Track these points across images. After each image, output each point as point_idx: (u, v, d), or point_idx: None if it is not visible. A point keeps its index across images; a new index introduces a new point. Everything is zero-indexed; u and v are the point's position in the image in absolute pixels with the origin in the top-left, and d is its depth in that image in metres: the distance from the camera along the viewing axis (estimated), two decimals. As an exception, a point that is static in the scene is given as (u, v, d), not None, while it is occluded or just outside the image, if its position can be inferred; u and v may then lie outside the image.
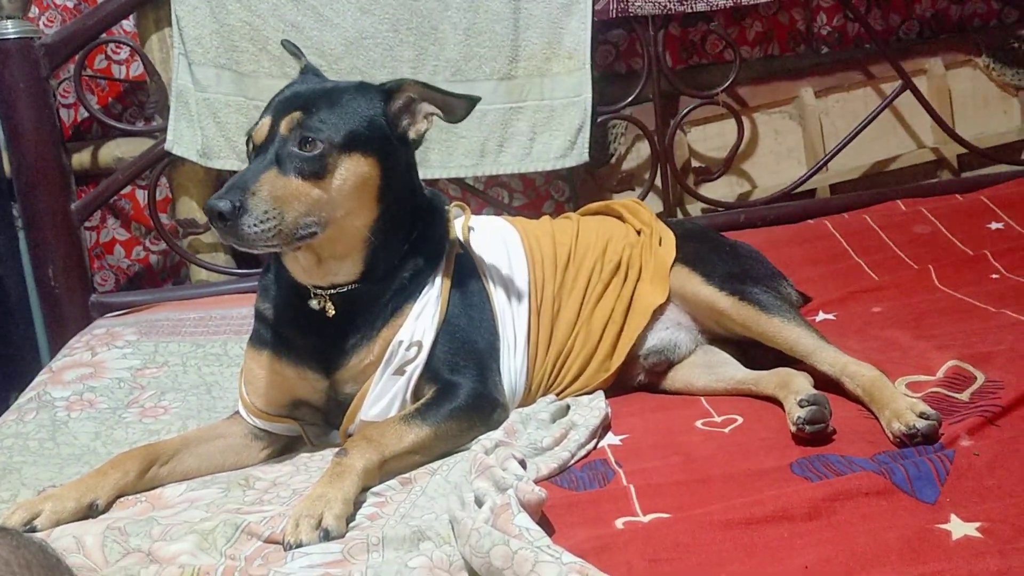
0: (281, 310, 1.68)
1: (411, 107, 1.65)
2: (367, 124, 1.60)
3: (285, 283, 1.66)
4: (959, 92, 3.02)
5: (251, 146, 1.58)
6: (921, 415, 1.41)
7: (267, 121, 1.57)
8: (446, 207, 1.79)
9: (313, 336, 1.65)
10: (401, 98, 1.64)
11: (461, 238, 1.77)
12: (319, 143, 1.53)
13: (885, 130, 2.98)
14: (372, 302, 1.64)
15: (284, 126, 1.54)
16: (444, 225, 1.76)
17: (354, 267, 1.63)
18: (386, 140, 1.63)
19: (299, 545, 1.26)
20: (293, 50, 1.86)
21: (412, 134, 1.66)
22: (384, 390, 1.63)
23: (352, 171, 1.57)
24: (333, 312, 1.61)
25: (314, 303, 1.62)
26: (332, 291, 1.62)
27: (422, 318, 1.65)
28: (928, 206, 2.68)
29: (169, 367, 2.16)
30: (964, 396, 1.56)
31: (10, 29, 2.45)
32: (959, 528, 1.15)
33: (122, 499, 1.53)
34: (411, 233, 1.68)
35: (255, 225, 1.46)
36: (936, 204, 2.70)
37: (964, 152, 2.95)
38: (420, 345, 1.63)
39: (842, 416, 1.52)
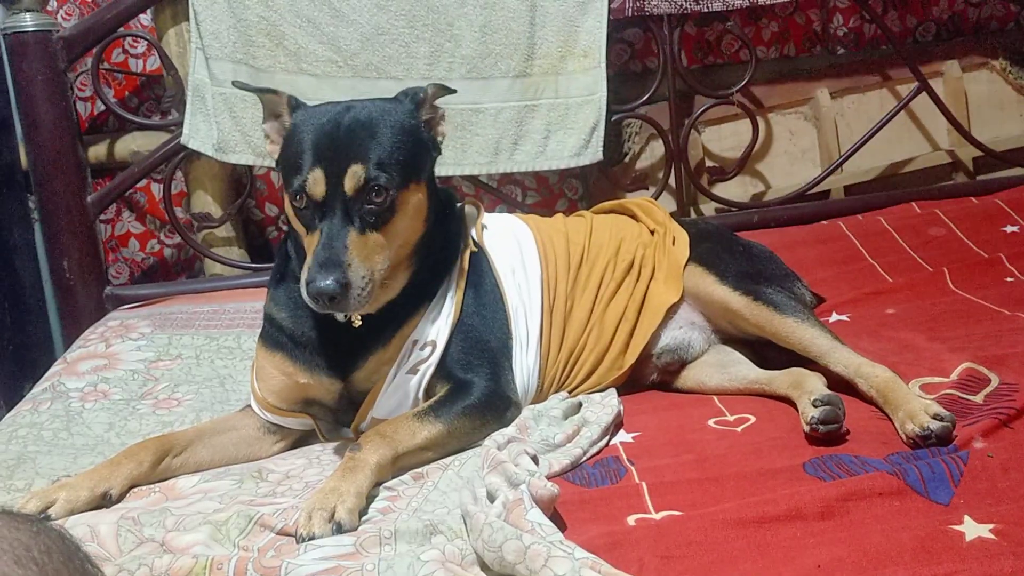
0: (298, 320, 1.66)
1: (436, 112, 1.66)
2: (412, 148, 1.59)
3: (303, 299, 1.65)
4: (975, 95, 3.01)
5: (302, 199, 1.52)
6: (935, 416, 1.41)
7: (320, 176, 1.50)
8: (459, 205, 1.79)
9: (331, 345, 1.64)
10: (427, 105, 1.65)
11: (475, 237, 1.78)
12: (386, 191, 1.52)
13: (900, 132, 2.97)
14: (394, 307, 1.63)
15: (349, 185, 1.50)
16: (457, 224, 1.76)
17: (398, 286, 1.62)
18: (426, 156, 1.64)
19: (312, 537, 1.27)
20: (265, 91, 1.69)
21: (438, 137, 1.67)
22: (397, 388, 1.64)
23: (411, 204, 1.58)
24: (360, 323, 1.60)
25: (340, 317, 1.60)
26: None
27: (436, 318, 1.65)
28: (943, 208, 2.68)
29: (183, 359, 2.17)
30: (978, 398, 1.55)
31: (28, 22, 2.47)
32: (973, 529, 1.15)
33: (135, 489, 1.54)
34: (437, 237, 1.68)
35: (359, 294, 1.47)
36: (951, 207, 2.69)
37: (979, 155, 2.95)
38: (434, 345, 1.63)
39: (855, 417, 1.52)
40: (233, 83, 1.87)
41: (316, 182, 1.51)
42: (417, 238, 1.62)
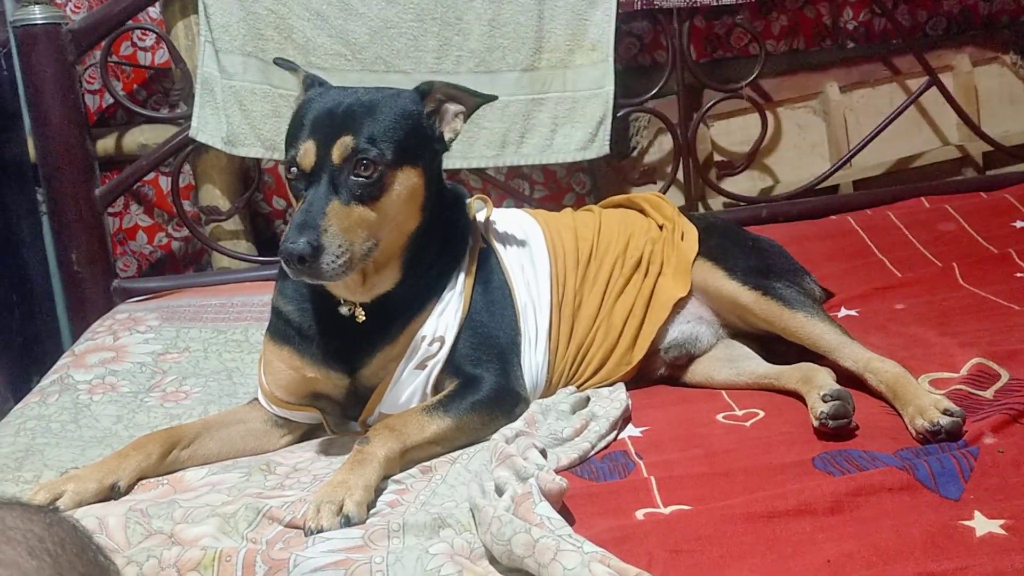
0: (305, 313, 1.66)
1: (440, 108, 1.65)
2: (411, 133, 1.58)
3: (309, 290, 1.64)
4: (985, 89, 2.99)
5: (294, 171, 1.54)
6: (945, 412, 1.41)
7: (311, 146, 1.52)
8: (467, 200, 1.79)
9: (337, 339, 1.64)
10: (433, 100, 1.64)
11: (483, 232, 1.77)
12: (374, 165, 1.51)
13: (910, 127, 2.96)
14: (399, 302, 1.63)
15: (337, 154, 1.50)
16: (466, 219, 1.76)
17: (394, 276, 1.62)
18: (427, 145, 1.63)
19: (320, 530, 1.27)
20: (289, 66, 1.79)
21: (448, 134, 1.66)
22: (405, 384, 1.63)
23: (404, 185, 1.56)
24: (364, 318, 1.60)
25: (344, 309, 1.60)
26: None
27: (445, 314, 1.64)
28: (952, 203, 2.67)
29: (191, 352, 2.17)
30: (988, 394, 1.55)
31: (38, 14, 2.46)
32: (983, 525, 1.15)
33: (144, 481, 1.54)
34: (441, 232, 1.68)
35: (332, 262, 1.45)
36: (961, 202, 2.68)
37: (989, 150, 2.93)
38: (443, 340, 1.63)
39: (865, 412, 1.51)
40: (275, 61, 1.89)
41: (307, 152, 1.52)
42: (414, 226, 1.61)
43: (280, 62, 1.84)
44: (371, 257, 1.54)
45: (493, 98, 1.69)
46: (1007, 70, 3.02)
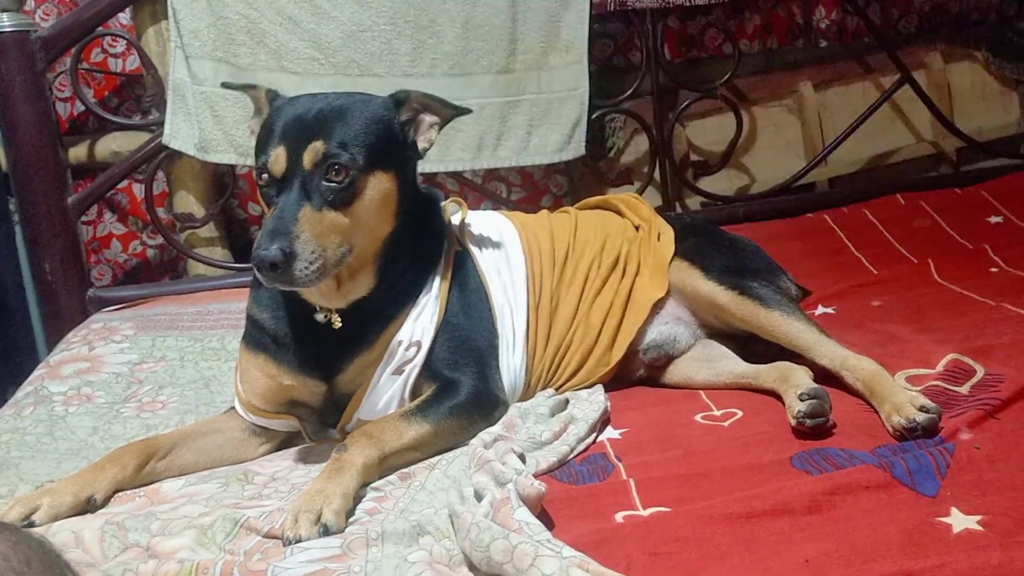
0: (280, 321, 1.65)
1: (416, 118, 1.65)
2: (383, 137, 1.58)
3: (284, 297, 1.63)
4: (958, 86, 3.02)
5: (265, 177, 1.53)
6: (921, 408, 1.41)
7: (282, 152, 1.51)
8: (442, 204, 1.78)
9: (314, 346, 1.63)
10: (410, 109, 1.64)
11: (458, 236, 1.77)
12: (345, 170, 1.51)
13: (884, 124, 2.98)
14: (374, 307, 1.62)
15: (308, 159, 1.49)
16: (441, 223, 1.75)
17: (368, 281, 1.61)
18: (400, 150, 1.62)
19: (298, 540, 1.26)
20: (247, 87, 1.74)
21: (423, 143, 1.66)
22: (383, 390, 1.62)
23: (376, 190, 1.56)
24: (340, 324, 1.59)
25: (320, 316, 1.60)
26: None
27: (421, 318, 1.64)
28: (927, 200, 2.69)
29: (167, 361, 2.16)
30: (964, 389, 1.56)
31: (6, 22, 2.44)
32: (960, 521, 1.15)
33: (120, 494, 1.53)
34: (415, 236, 1.67)
35: (305, 268, 1.44)
36: (935, 198, 2.71)
37: (963, 146, 2.96)
38: (419, 345, 1.62)
39: (842, 410, 1.52)
40: (222, 84, 1.88)
41: (277, 159, 1.51)
42: (387, 231, 1.61)
43: (232, 85, 1.83)
44: (345, 263, 1.53)
45: (468, 111, 1.70)
46: (979, 67, 3.04)
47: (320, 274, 1.47)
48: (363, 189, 1.54)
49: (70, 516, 1.44)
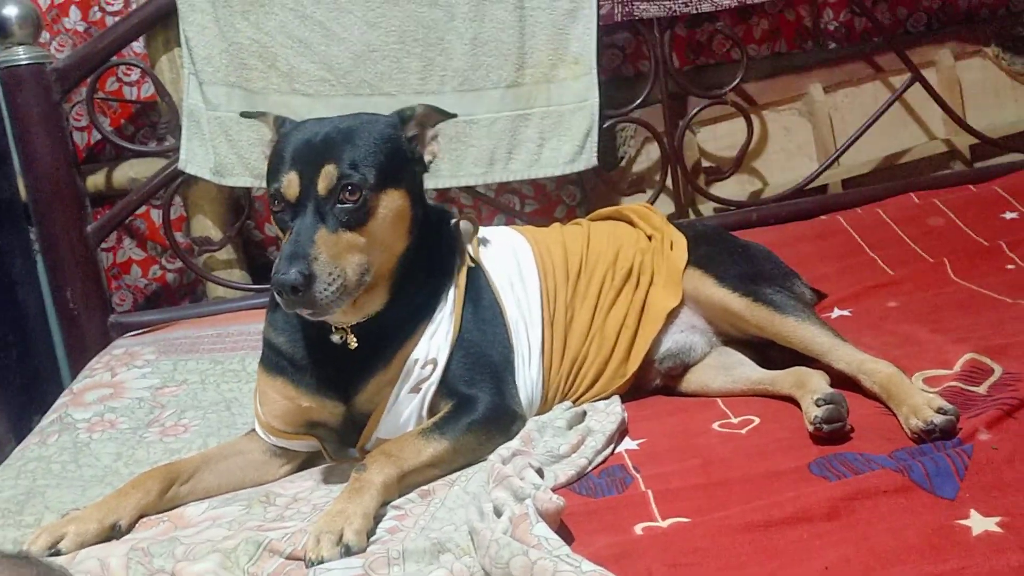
0: (297, 344, 1.66)
1: (423, 133, 1.67)
2: (391, 155, 1.60)
3: (300, 320, 1.64)
4: (969, 83, 3.00)
5: (278, 203, 1.54)
6: (939, 410, 1.41)
7: (294, 177, 1.53)
8: (453, 221, 1.80)
9: (331, 367, 1.64)
10: (414, 125, 1.66)
11: (471, 252, 1.78)
12: (359, 190, 1.52)
13: (896, 123, 2.96)
14: (390, 326, 1.63)
15: (321, 183, 1.51)
16: (452, 239, 1.77)
17: (382, 298, 1.62)
18: (408, 167, 1.64)
19: (320, 561, 1.27)
20: (257, 114, 1.80)
21: (428, 156, 1.68)
22: (400, 408, 1.64)
23: (389, 208, 1.57)
24: (356, 345, 1.60)
25: (336, 337, 1.61)
26: (355, 324, 1.61)
27: (436, 336, 1.65)
28: (941, 198, 2.67)
29: (188, 385, 2.18)
30: (982, 389, 1.55)
31: (22, 55, 2.48)
32: (979, 524, 1.15)
33: (144, 519, 1.55)
34: (427, 253, 1.68)
35: (325, 290, 1.45)
36: (949, 196, 2.69)
37: (976, 143, 2.94)
38: (435, 363, 1.63)
39: (859, 414, 1.52)
40: (240, 114, 1.90)
41: (290, 183, 1.52)
42: (401, 248, 1.62)
43: (248, 114, 1.85)
44: (365, 284, 1.55)
45: (453, 115, 1.70)
46: (989, 63, 3.02)
47: (340, 295, 1.48)
48: (376, 208, 1.55)
49: (96, 543, 1.46)
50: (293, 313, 1.61)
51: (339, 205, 1.52)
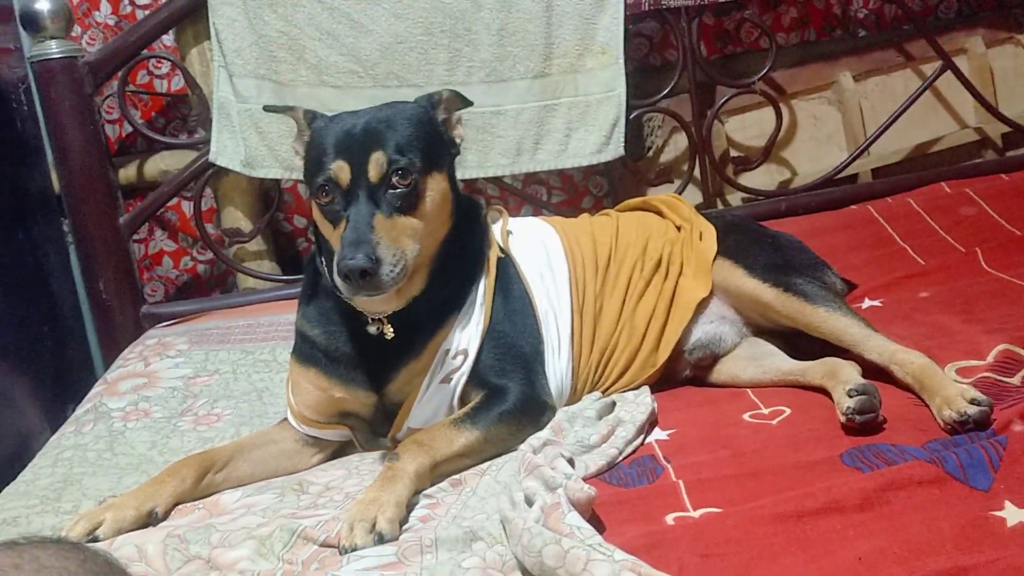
0: (330, 335, 1.68)
1: (451, 116, 1.69)
2: (431, 138, 1.62)
3: (335, 311, 1.66)
4: (1001, 70, 2.96)
5: (326, 194, 1.55)
6: (972, 401, 1.40)
7: (343, 165, 1.54)
8: (483, 213, 1.80)
9: (364, 358, 1.65)
10: (443, 107, 1.67)
11: (500, 243, 1.79)
12: (409, 173, 1.54)
13: (926, 112, 2.93)
14: (423, 315, 1.64)
15: (372, 170, 1.53)
16: (483, 230, 1.77)
17: (420, 285, 1.63)
18: (445, 150, 1.67)
19: (354, 549, 1.28)
20: (285, 109, 1.79)
21: (457, 139, 1.69)
22: (431, 398, 1.65)
23: (436, 191, 1.60)
24: (392, 335, 1.62)
25: (372, 328, 1.62)
26: (390, 313, 1.62)
27: (467, 326, 1.66)
28: (973, 187, 2.64)
29: (220, 375, 2.20)
30: (1015, 380, 1.54)
31: (54, 49, 2.50)
32: (1014, 515, 1.14)
33: (180, 506, 1.57)
34: (460, 242, 1.69)
35: (390, 272, 1.48)
36: (981, 185, 2.66)
37: (1008, 131, 2.90)
38: (466, 353, 1.64)
39: (892, 405, 1.51)
40: (264, 108, 1.91)
41: (340, 170, 1.54)
42: (443, 233, 1.64)
43: (274, 108, 1.86)
44: (418, 263, 1.57)
45: (470, 103, 1.71)
46: (1021, 50, 2.99)
47: (402, 275, 1.51)
48: (425, 190, 1.57)
49: (132, 530, 1.48)
50: (325, 304, 1.62)
51: (391, 191, 1.53)
